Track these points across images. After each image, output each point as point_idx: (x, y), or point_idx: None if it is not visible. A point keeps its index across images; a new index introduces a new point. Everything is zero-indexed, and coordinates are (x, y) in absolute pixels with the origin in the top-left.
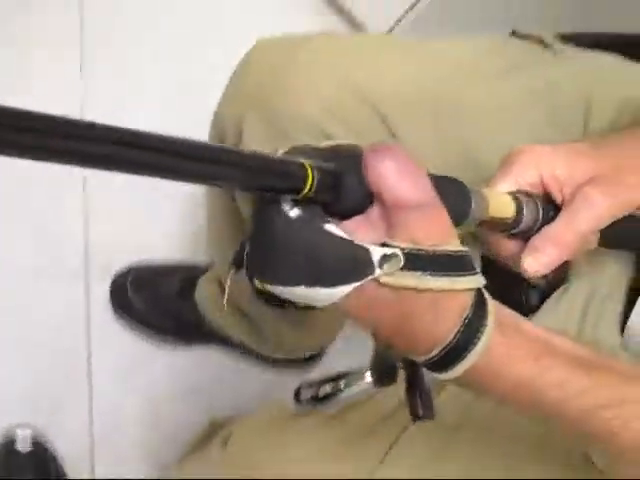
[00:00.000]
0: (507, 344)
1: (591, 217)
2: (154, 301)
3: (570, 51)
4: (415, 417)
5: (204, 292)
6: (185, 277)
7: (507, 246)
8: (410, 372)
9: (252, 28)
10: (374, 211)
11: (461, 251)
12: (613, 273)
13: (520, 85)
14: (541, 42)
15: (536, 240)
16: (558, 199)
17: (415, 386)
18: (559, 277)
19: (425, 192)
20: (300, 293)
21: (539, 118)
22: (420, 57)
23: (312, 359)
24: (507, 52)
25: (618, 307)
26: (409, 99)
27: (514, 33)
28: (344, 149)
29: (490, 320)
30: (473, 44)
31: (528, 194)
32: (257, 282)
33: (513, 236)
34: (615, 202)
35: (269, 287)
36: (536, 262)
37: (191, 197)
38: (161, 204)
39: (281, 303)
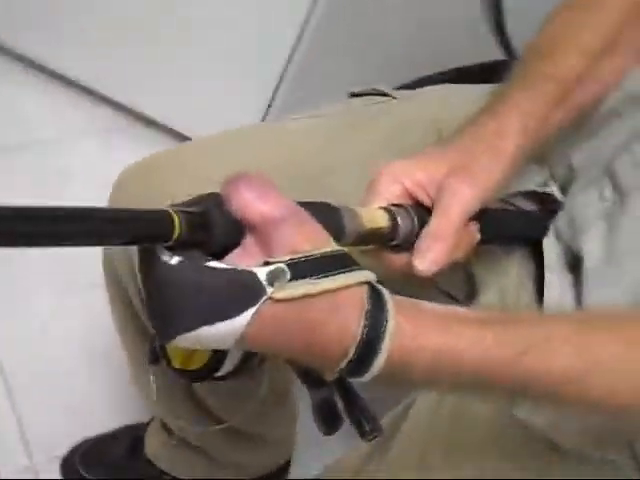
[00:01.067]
0: (414, 324)
1: (458, 204)
2: (108, 471)
3: (407, 92)
4: (363, 436)
5: (153, 444)
6: (132, 437)
7: (399, 260)
8: (341, 392)
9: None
10: (248, 240)
11: (340, 250)
12: (515, 275)
13: (372, 135)
14: (381, 94)
15: (419, 242)
16: (427, 202)
17: (352, 405)
18: (469, 291)
19: (288, 206)
20: (205, 335)
21: (396, 156)
22: (275, 140)
23: (283, 470)
24: (353, 111)
25: (530, 304)
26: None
27: (353, 94)
28: (205, 195)
29: (390, 306)
30: (324, 114)
31: (398, 205)
32: (171, 356)
33: (399, 249)
34: (474, 183)
35: (178, 342)
36: (425, 260)
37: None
38: (89, 370)
39: (207, 376)
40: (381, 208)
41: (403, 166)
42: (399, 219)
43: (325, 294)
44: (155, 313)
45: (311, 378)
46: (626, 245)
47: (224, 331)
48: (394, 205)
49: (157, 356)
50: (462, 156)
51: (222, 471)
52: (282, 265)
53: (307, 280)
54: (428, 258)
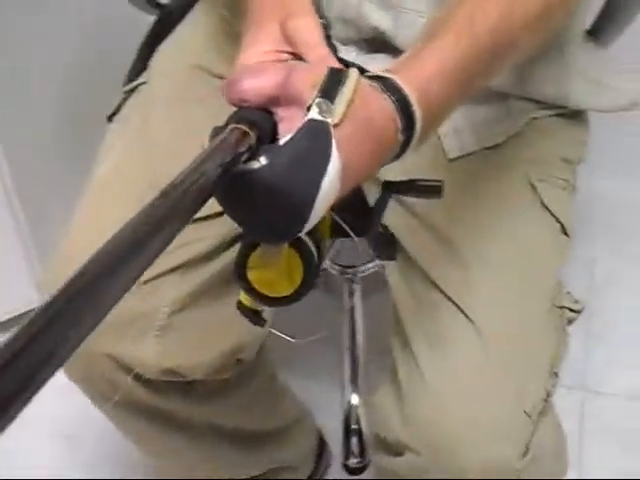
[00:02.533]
0: (414, 75)
1: None
2: None
3: None
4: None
5: None
6: None
7: None
8: None
9: None
10: (280, 113)
11: (340, 63)
12: None
13: None
14: None
15: None
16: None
17: None
18: None
19: (278, 66)
20: (324, 192)
21: None
22: None
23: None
24: None
25: None
26: None
27: None
28: (229, 116)
29: (394, 78)
30: None
31: None
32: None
33: None
34: None
35: (311, 220)
36: None
37: None
38: None
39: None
40: None
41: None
42: None
43: (355, 97)
44: (276, 217)
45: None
46: None
47: (332, 175)
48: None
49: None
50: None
51: None
52: (318, 99)
53: (339, 95)
54: None
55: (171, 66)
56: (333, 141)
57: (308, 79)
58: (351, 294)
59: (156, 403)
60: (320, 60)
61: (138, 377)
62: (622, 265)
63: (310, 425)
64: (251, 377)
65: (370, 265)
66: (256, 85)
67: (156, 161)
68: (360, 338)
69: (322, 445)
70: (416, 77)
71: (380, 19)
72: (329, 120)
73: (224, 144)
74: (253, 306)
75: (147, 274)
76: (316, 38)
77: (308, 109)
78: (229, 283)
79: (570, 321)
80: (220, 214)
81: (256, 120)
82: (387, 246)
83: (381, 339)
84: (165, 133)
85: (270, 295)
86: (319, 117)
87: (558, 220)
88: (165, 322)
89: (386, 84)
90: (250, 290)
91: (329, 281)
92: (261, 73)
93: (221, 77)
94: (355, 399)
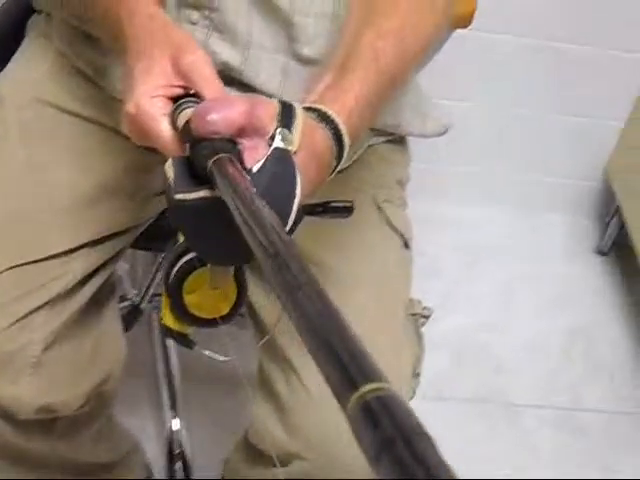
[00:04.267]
0: (340, 106)
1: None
2: None
3: None
4: None
5: None
6: None
7: None
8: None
9: None
10: (245, 142)
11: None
12: None
13: None
14: None
15: None
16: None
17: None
18: None
19: (241, 99)
20: (295, 208)
21: None
22: None
23: None
24: None
25: None
26: None
27: None
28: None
29: (322, 107)
30: None
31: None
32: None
33: None
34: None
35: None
36: None
37: None
38: None
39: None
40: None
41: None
42: None
43: (303, 124)
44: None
45: None
46: None
47: (299, 196)
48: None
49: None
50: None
51: None
52: (280, 129)
53: (294, 125)
54: None
55: (16, 98)
56: (296, 166)
57: (269, 111)
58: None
59: (19, 442)
60: (216, 94)
61: (9, 417)
62: None
63: (141, 456)
64: (106, 408)
65: None
66: (227, 116)
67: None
68: (175, 364)
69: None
70: (342, 109)
71: (228, 54)
72: (290, 148)
73: (235, 174)
74: (182, 329)
75: (16, 314)
76: (210, 74)
77: (271, 138)
78: (94, 314)
79: (422, 325)
80: (81, 247)
81: (231, 150)
82: None
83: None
84: (11, 169)
85: (206, 317)
86: (283, 145)
87: (402, 236)
88: (38, 359)
89: (321, 115)
90: (185, 314)
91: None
92: (230, 105)
93: (71, 113)
94: (176, 424)
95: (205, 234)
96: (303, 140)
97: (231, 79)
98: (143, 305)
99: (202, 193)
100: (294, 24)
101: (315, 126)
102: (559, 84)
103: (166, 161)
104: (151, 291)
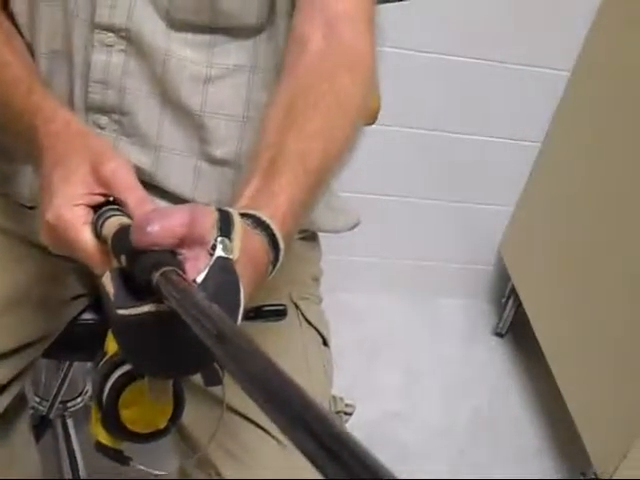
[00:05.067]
0: (273, 212)
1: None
2: None
3: None
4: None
5: None
6: None
7: None
8: None
9: None
10: (186, 253)
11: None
12: None
13: None
14: None
15: None
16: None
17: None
18: None
19: (180, 209)
20: (240, 316)
21: None
22: None
23: None
24: None
25: None
26: None
27: None
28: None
29: (257, 213)
30: None
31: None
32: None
33: None
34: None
35: None
36: None
37: None
38: None
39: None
40: None
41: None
42: None
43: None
44: (200, 349)
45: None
46: None
47: (242, 304)
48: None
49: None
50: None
51: None
52: (220, 238)
53: (233, 233)
54: None
55: None
56: (239, 275)
57: (209, 220)
58: (65, 430)
59: None
60: (140, 202)
61: None
62: None
63: None
64: None
65: (79, 399)
66: (167, 227)
67: None
68: (82, 469)
69: None
70: (275, 214)
71: (138, 158)
72: (232, 256)
73: (184, 285)
74: (116, 445)
75: None
76: (131, 181)
77: (212, 247)
78: (6, 431)
79: (346, 422)
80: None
81: (172, 261)
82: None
83: None
84: None
85: (144, 432)
86: (224, 254)
87: (320, 333)
88: None
89: (256, 222)
90: (121, 430)
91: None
92: (169, 216)
93: None
94: None
95: (148, 347)
96: (243, 247)
97: (143, 183)
98: (52, 415)
99: (146, 308)
100: (205, 126)
101: (251, 232)
102: (449, 172)
103: (83, 270)
104: (58, 400)
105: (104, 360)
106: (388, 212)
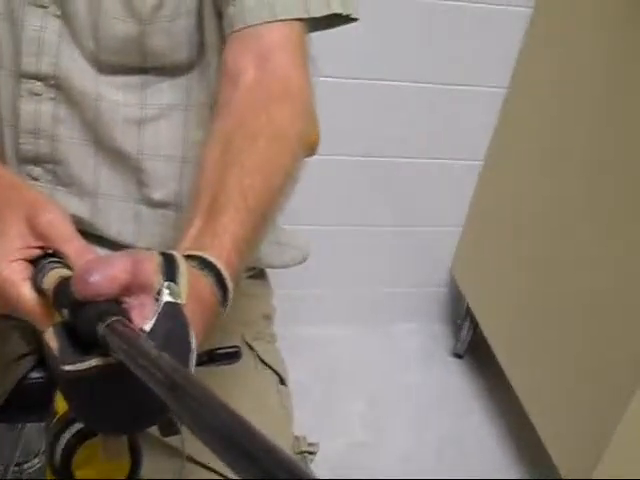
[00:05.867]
0: (219, 254)
1: None
2: None
3: None
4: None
5: None
6: None
7: None
8: None
9: None
10: (130, 301)
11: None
12: None
13: None
14: None
15: None
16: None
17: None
18: None
19: (123, 257)
20: (193, 362)
21: None
22: None
23: None
24: None
25: None
26: None
27: None
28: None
29: (209, 257)
30: None
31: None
32: None
33: None
34: None
35: None
36: None
37: None
38: None
39: None
40: None
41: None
42: None
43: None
44: (152, 402)
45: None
46: None
47: (194, 349)
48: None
49: None
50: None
51: None
52: (166, 283)
53: (178, 277)
54: None
55: None
56: (188, 319)
57: (152, 265)
58: None
59: None
60: (80, 252)
61: None
62: None
63: None
64: None
65: (36, 460)
66: (109, 276)
67: None
68: None
69: None
70: (221, 253)
71: (76, 208)
72: (179, 301)
73: (132, 335)
74: None
75: None
76: (70, 231)
77: (158, 293)
78: None
79: (310, 461)
80: None
81: (117, 311)
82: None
83: None
84: None
85: None
86: (172, 299)
87: (276, 373)
88: None
89: (202, 263)
90: None
91: None
92: (111, 264)
93: None
94: None
95: (98, 403)
96: (190, 290)
97: (82, 232)
98: (8, 478)
99: (93, 362)
100: (143, 169)
101: (198, 274)
102: (393, 197)
103: (26, 327)
104: (13, 463)
105: (54, 420)
106: (336, 242)
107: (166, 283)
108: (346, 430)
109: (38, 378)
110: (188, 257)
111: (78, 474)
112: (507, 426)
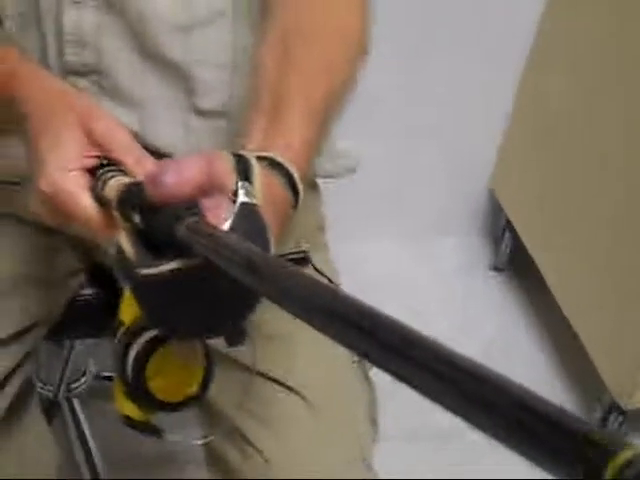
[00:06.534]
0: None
1: None
2: None
3: None
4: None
5: None
6: None
7: None
8: None
9: None
10: (206, 202)
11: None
12: None
13: None
14: None
15: None
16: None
17: None
18: None
19: (192, 161)
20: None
21: None
22: None
23: None
24: None
25: None
26: None
27: None
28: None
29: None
30: None
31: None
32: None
33: None
34: None
35: None
36: None
37: None
38: None
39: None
40: None
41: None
42: None
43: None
44: (237, 300)
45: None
46: None
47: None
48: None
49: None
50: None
51: None
52: (241, 183)
53: (253, 177)
54: None
55: None
56: (265, 220)
57: (227, 165)
58: (72, 411)
59: None
60: (139, 160)
61: None
62: None
63: None
64: None
65: (83, 379)
66: (184, 177)
67: None
68: (95, 452)
69: None
70: (290, 154)
71: (125, 119)
72: (255, 201)
73: (217, 232)
74: (144, 418)
75: None
76: (128, 139)
77: (234, 194)
78: (17, 419)
79: (369, 369)
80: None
81: (194, 212)
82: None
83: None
84: None
85: (175, 401)
86: (248, 200)
87: (330, 280)
88: None
89: (272, 164)
90: (151, 402)
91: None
92: (185, 165)
93: None
94: None
95: (177, 307)
96: (264, 191)
97: None
98: (59, 398)
99: (174, 264)
100: (191, 77)
101: (269, 175)
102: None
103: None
104: (64, 382)
105: (122, 331)
106: (375, 156)
107: (241, 183)
108: None
109: (89, 295)
110: (258, 158)
111: (151, 383)
112: (551, 339)
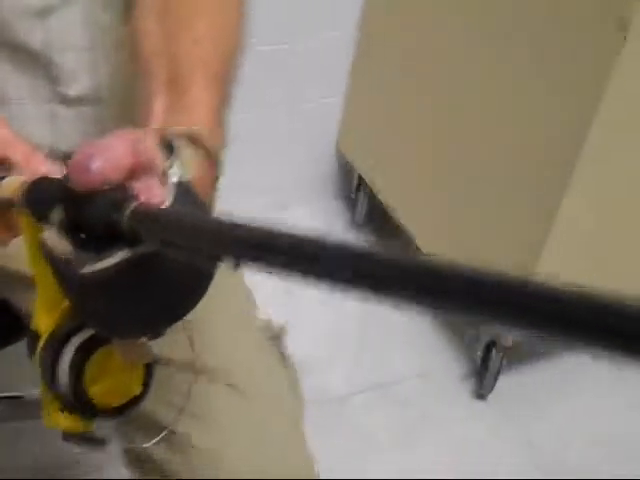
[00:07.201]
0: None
1: None
2: None
3: None
4: None
5: None
6: None
7: None
8: None
9: None
10: (136, 184)
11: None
12: None
13: None
14: None
15: None
16: None
17: None
18: None
19: (122, 137)
20: None
21: None
22: None
23: None
24: None
25: None
26: None
27: None
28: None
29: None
30: None
31: None
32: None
33: None
34: None
35: None
36: None
37: None
38: None
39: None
40: None
41: None
42: None
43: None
44: (185, 287)
45: None
46: None
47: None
48: None
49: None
50: None
51: None
52: (172, 161)
53: (180, 153)
54: None
55: None
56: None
57: (153, 144)
58: None
59: None
60: (28, 155)
61: None
62: None
63: None
64: None
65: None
66: (112, 159)
67: None
68: None
69: None
70: (202, 127)
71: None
72: (188, 177)
73: (168, 215)
74: (86, 429)
75: None
76: (10, 134)
77: (163, 173)
78: None
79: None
80: None
81: (127, 197)
82: None
83: None
84: None
85: (119, 404)
86: (181, 178)
87: None
88: None
89: (190, 137)
90: (92, 410)
91: None
92: (110, 147)
93: None
94: None
95: (119, 305)
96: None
97: None
98: None
99: (120, 255)
100: (52, 64)
101: (192, 149)
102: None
103: None
104: None
105: (44, 341)
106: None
107: (170, 161)
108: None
109: None
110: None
111: (91, 390)
112: None
